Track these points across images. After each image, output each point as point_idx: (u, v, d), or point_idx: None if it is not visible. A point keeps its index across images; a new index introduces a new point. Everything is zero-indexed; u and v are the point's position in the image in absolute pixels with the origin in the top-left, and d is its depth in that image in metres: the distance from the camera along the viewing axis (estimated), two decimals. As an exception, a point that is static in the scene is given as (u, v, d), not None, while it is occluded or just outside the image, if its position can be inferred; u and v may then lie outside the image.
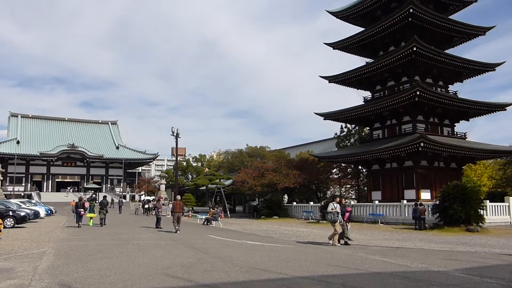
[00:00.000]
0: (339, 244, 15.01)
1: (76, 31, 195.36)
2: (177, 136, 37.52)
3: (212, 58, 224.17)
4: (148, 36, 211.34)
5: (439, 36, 32.83)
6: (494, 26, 33.18)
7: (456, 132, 34.07)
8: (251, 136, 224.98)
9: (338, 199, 15.88)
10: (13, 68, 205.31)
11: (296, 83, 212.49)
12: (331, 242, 15.24)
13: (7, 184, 68.01)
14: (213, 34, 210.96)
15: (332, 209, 14.97)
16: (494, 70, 33.32)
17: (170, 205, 24.63)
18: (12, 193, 61.77)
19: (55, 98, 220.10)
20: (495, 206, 25.76)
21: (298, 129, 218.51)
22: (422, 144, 27.49)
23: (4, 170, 61.10)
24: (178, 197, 23.22)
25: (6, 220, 21.23)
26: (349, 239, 15.47)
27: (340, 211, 15.04)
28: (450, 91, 34.17)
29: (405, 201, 27.38)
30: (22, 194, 64.56)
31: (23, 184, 73.12)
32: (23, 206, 29.06)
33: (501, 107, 32.98)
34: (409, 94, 28.71)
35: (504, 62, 33.24)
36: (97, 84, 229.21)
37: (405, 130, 32.29)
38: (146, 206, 40.50)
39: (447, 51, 33.01)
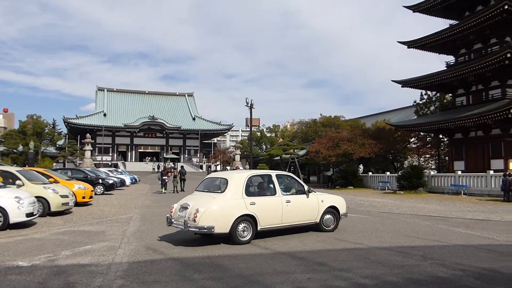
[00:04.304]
0: None
1: (161, 8, 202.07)
2: (251, 107, 37.84)
3: (294, 29, 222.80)
4: (229, 9, 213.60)
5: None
6: None
7: (553, 97, 31.04)
8: (328, 106, 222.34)
9: None
10: (102, 45, 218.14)
11: (377, 52, 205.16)
12: None
13: (96, 154, 73.21)
14: (295, 4, 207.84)
15: None
16: None
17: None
18: (100, 162, 66.50)
19: (139, 73, 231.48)
20: None
21: (375, 98, 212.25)
22: (512, 111, 25.44)
23: (93, 141, 65.74)
24: (246, 166, 23.67)
25: (96, 188, 22.94)
26: None
27: None
28: (546, 52, 31.00)
29: (491, 172, 25.67)
30: (109, 164, 69.14)
31: (110, 154, 78.37)
32: (111, 174, 31.14)
33: None
34: (499, 57, 26.44)
35: None
36: (178, 58, 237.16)
37: (492, 96, 29.98)
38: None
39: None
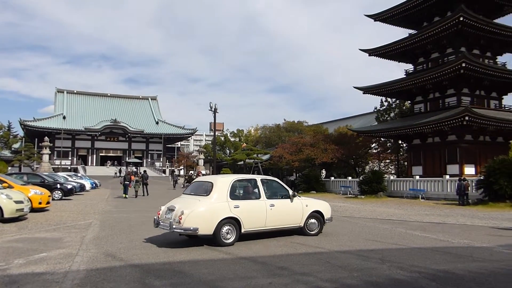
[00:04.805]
0: None
1: (125, 10, 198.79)
2: (215, 111, 37.72)
3: (256, 34, 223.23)
4: (193, 14, 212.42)
5: (488, 5, 31.06)
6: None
7: (504, 105, 32.57)
8: (291, 111, 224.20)
9: None
10: (63, 46, 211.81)
11: (339, 59, 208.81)
12: None
13: (54, 158, 71.00)
14: (257, 9, 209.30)
15: None
16: (547, 39, 31.40)
17: (199, 178, 25.59)
18: (59, 166, 64.51)
19: (101, 75, 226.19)
20: None
21: (338, 104, 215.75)
22: (467, 118, 26.49)
23: (51, 144, 63.74)
24: (207, 171, 23.74)
25: (54, 193, 22.22)
26: None
27: None
28: (498, 62, 32.52)
29: (447, 176, 26.65)
30: (69, 168, 67.29)
31: (70, 158, 76.13)
32: (69, 179, 30.28)
33: (554, 78, 31.15)
34: (455, 66, 27.57)
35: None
36: (142, 61, 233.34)
37: (449, 104, 31.17)
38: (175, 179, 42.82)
39: (496, 21, 31.33)
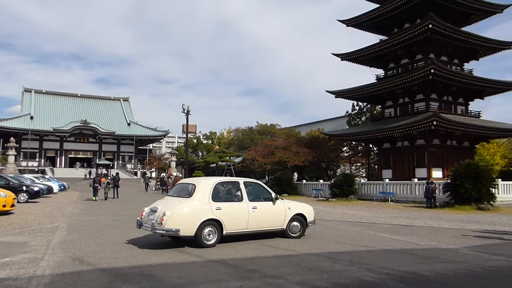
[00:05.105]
0: None
1: (96, 9, 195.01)
2: (187, 113, 37.41)
3: (229, 37, 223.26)
4: (166, 16, 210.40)
5: (456, 13, 32.03)
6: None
7: (470, 111, 33.57)
8: (264, 114, 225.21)
9: None
10: (32, 45, 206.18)
11: (312, 63, 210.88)
12: None
13: (21, 159, 69.01)
14: (230, 13, 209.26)
15: None
16: (511, 48, 32.60)
17: (169, 180, 25.47)
18: (26, 168, 62.72)
19: (71, 75, 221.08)
20: (507, 184, 25.53)
21: (310, 108, 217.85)
22: (435, 123, 27.18)
23: (18, 145, 61.89)
24: (179, 174, 23.60)
25: (19, 195, 21.56)
26: None
27: None
28: (465, 69, 33.52)
29: (416, 180, 27.24)
30: (36, 170, 65.48)
31: (37, 160, 74.14)
32: (36, 181, 29.44)
33: (517, 85, 32.39)
34: (423, 72, 28.26)
35: (521, 39, 32.53)
36: (114, 61, 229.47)
37: (418, 109, 31.90)
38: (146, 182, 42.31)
39: (463, 29, 32.31)
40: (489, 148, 41.31)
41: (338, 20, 36.13)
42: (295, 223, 10.73)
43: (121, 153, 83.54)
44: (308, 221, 11.00)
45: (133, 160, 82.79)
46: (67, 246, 9.34)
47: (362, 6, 37.13)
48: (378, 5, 33.46)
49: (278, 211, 10.41)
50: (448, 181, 23.97)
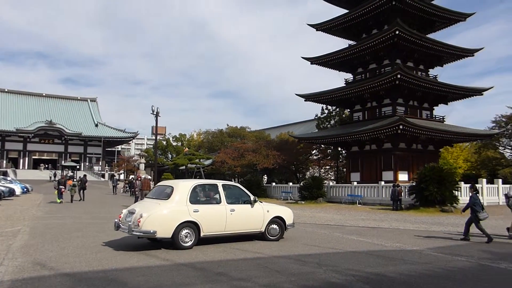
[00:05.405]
0: None
1: (64, 9, 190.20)
2: (157, 115, 36.92)
3: (201, 40, 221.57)
4: (137, 16, 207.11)
5: (421, 21, 32.95)
6: (474, 13, 33.48)
7: (435, 116, 34.53)
8: (234, 116, 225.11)
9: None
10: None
11: (283, 66, 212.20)
12: (509, 234, 12.32)
13: (-19, 161, 66.52)
14: (202, 15, 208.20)
15: None
16: (473, 55, 33.74)
17: (138, 183, 25.09)
18: (-13, 170, 60.49)
19: (36, 74, 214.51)
20: (469, 187, 26.29)
21: (281, 111, 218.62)
22: (401, 127, 27.78)
23: (-22, 146, 59.66)
24: (148, 176, 23.31)
25: (-20, 198, 20.80)
26: None
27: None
28: (430, 75, 34.48)
29: (382, 183, 27.78)
30: (-2, 171, 63.25)
31: (-2, 161, 71.58)
32: (-2, 183, 28.47)
33: (478, 91, 33.55)
34: (390, 77, 28.86)
35: (483, 48, 33.73)
36: (82, 61, 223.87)
37: (385, 113, 32.57)
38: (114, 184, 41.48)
39: (428, 36, 33.21)
40: (452, 152, 42.60)
41: (308, 25, 36.54)
42: (274, 226, 10.79)
43: (88, 155, 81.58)
44: (287, 224, 11.07)
45: (100, 162, 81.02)
46: (28, 250, 9.04)
47: (332, 11, 37.59)
48: (347, 11, 34.04)
49: (257, 214, 10.46)
50: (414, 184, 24.53)
